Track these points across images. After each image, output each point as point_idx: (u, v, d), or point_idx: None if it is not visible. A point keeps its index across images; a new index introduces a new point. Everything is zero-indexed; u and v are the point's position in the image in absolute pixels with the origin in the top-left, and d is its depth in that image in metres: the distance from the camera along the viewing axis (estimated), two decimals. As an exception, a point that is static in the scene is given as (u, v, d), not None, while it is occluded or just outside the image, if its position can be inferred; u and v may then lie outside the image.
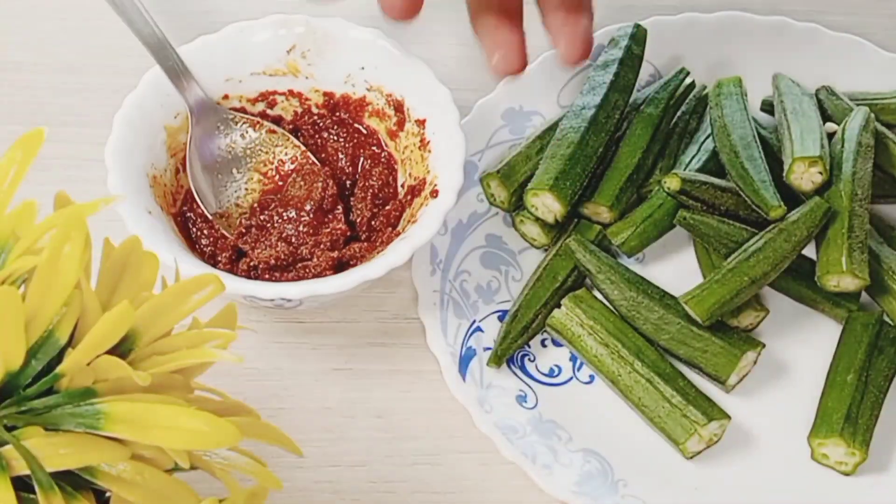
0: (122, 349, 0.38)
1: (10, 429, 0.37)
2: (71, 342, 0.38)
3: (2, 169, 0.40)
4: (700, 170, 0.65)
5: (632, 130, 0.66)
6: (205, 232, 0.62)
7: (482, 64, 0.73)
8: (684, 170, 0.65)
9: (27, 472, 0.36)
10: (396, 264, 0.57)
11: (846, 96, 0.69)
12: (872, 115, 0.66)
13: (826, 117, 0.67)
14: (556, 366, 0.61)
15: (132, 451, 0.37)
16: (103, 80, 0.71)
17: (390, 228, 0.62)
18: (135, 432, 0.36)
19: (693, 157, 0.66)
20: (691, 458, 0.58)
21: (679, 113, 0.69)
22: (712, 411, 0.58)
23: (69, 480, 0.37)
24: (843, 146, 0.63)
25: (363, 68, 0.64)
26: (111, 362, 0.37)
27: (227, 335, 0.40)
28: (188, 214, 0.62)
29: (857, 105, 0.67)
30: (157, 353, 0.39)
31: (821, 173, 0.62)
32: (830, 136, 0.65)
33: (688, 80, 0.69)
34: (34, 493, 0.36)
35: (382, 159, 0.65)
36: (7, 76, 0.71)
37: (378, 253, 0.59)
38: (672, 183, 0.63)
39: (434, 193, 0.60)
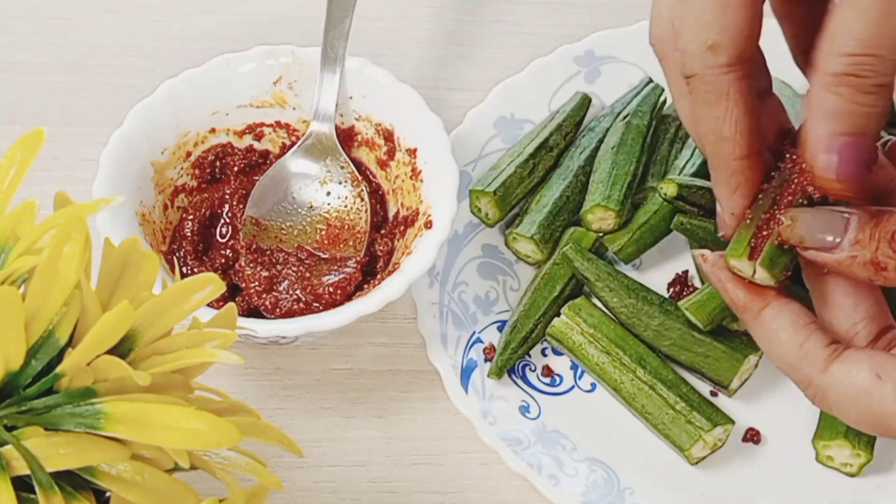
0: (122, 349, 0.38)
1: (10, 429, 0.37)
2: (71, 342, 0.38)
3: (2, 169, 0.40)
4: (695, 175, 0.64)
5: (622, 139, 0.65)
6: (195, 271, 0.61)
7: (478, 64, 0.73)
8: (679, 175, 0.64)
9: (27, 472, 0.36)
10: (392, 298, 0.56)
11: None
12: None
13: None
14: (558, 375, 0.61)
15: (132, 451, 0.37)
16: (103, 80, 0.71)
17: (383, 263, 0.61)
18: (135, 432, 0.36)
19: (687, 162, 0.65)
20: (696, 463, 0.58)
21: (669, 119, 0.68)
22: (716, 416, 0.58)
23: (69, 480, 0.37)
24: (840, 147, 0.63)
25: (351, 98, 0.63)
26: (111, 362, 0.37)
27: (227, 335, 0.39)
28: (178, 253, 0.61)
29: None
30: (157, 353, 0.39)
31: (820, 175, 0.62)
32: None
33: (663, 97, 0.69)
34: (34, 493, 0.36)
35: (372, 189, 0.64)
36: (7, 76, 0.71)
37: (374, 286, 0.58)
38: (669, 188, 0.62)
39: (428, 224, 0.59)
